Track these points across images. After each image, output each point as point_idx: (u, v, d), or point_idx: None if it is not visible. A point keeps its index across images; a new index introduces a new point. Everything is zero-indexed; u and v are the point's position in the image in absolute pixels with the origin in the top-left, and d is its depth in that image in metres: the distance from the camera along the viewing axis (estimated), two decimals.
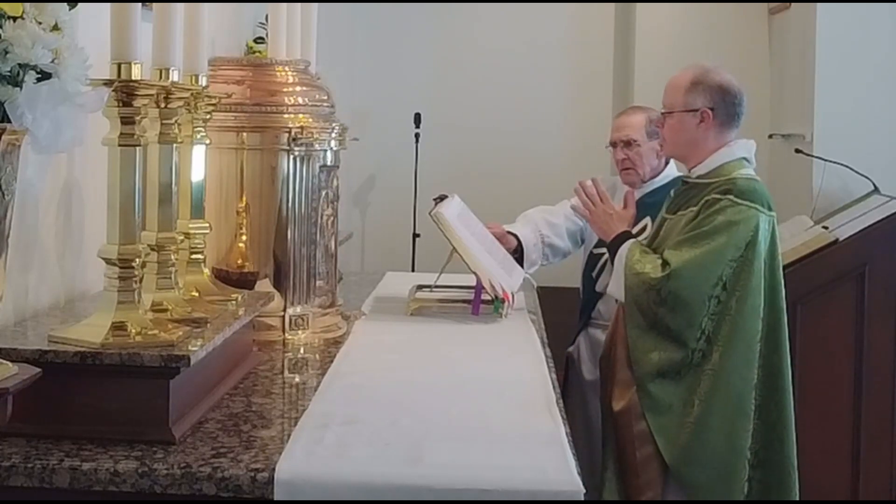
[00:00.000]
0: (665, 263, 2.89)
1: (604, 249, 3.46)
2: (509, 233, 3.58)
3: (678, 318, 2.85)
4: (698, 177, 3.00)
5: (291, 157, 2.74)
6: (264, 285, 2.73)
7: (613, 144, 3.75)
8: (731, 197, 2.87)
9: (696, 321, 2.84)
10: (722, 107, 2.97)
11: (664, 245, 2.97)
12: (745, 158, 3.00)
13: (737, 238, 2.85)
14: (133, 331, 1.89)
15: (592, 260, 3.69)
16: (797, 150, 4.76)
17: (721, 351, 2.83)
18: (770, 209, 2.91)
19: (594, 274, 3.64)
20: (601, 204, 3.23)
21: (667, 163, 3.72)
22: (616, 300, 3.09)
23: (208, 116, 2.43)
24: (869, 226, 3.97)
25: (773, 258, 2.92)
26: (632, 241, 3.08)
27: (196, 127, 2.39)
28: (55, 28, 1.61)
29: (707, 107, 2.96)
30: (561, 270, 3.98)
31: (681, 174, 3.65)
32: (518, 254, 3.54)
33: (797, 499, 2.91)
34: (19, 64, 1.55)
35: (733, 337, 2.84)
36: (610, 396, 3.05)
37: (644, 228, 3.34)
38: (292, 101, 2.77)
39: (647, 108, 3.95)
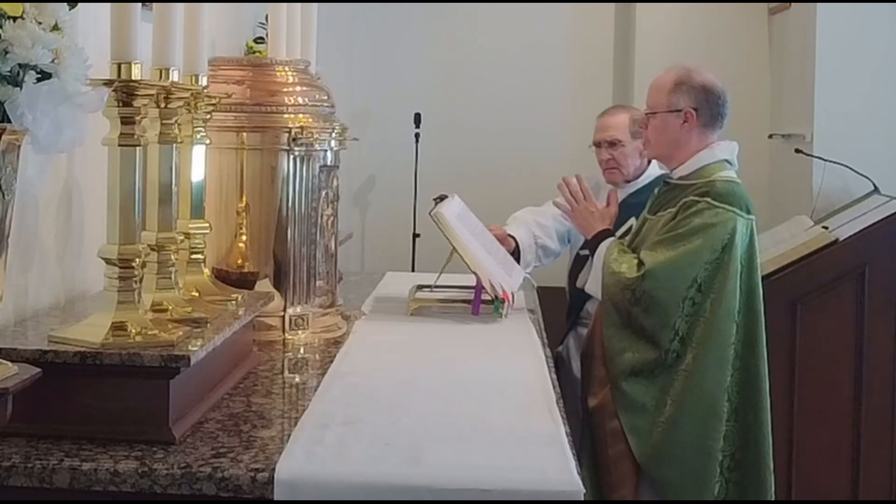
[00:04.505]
0: (640, 263, 2.90)
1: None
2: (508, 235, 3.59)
3: (652, 318, 2.86)
4: (679, 178, 3.01)
5: (291, 157, 2.74)
6: (264, 285, 2.73)
7: (598, 145, 3.77)
8: (708, 199, 2.88)
9: (670, 322, 2.85)
10: (705, 107, 2.98)
11: (643, 245, 2.98)
12: (727, 160, 3.00)
13: (713, 240, 2.86)
14: (133, 331, 1.89)
15: (579, 261, 3.71)
16: (797, 150, 4.76)
17: (695, 352, 2.85)
18: (749, 212, 2.91)
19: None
20: (584, 201, 3.25)
21: (649, 162, 3.74)
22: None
23: (208, 116, 2.43)
24: (869, 226, 3.97)
25: (750, 261, 2.92)
26: (611, 239, 3.10)
27: (196, 127, 2.39)
28: (55, 28, 1.61)
29: (690, 107, 2.98)
30: (557, 270, 3.98)
31: (663, 172, 3.67)
32: (514, 256, 3.55)
33: (773, 500, 2.92)
34: (19, 64, 1.55)
35: (707, 339, 2.85)
36: (587, 393, 3.06)
37: (630, 229, 3.35)
38: (292, 101, 2.77)
39: (629, 107, 3.98)
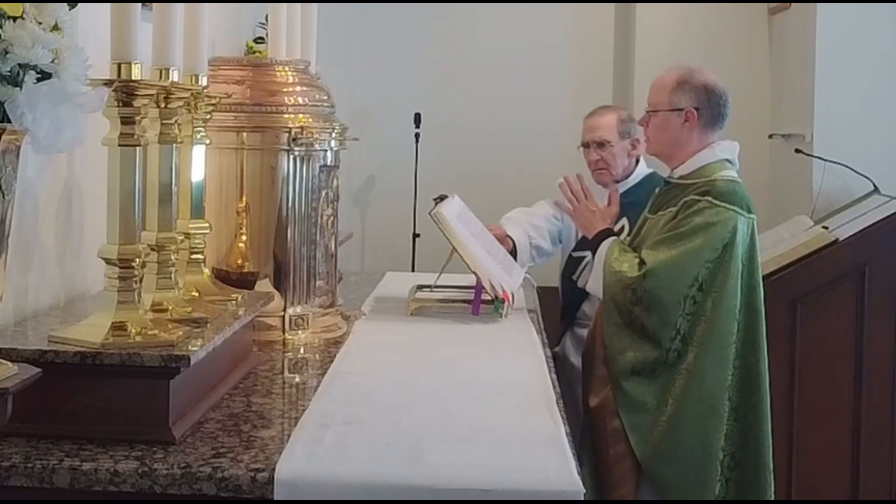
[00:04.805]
0: (642, 262, 2.91)
1: (584, 253, 3.48)
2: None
3: (653, 317, 2.87)
4: (680, 177, 3.02)
5: (291, 157, 2.74)
6: (264, 285, 2.73)
7: (586, 146, 3.77)
8: (709, 198, 2.89)
9: (671, 321, 2.85)
10: (707, 107, 2.99)
11: (644, 244, 2.98)
12: (727, 160, 3.01)
13: (714, 239, 2.86)
14: (133, 331, 1.89)
15: (572, 263, 3.71)
16: (797, 150, 4.76)
17: (696, 351, 2.85)
18: (750, 211, 2.92)
19: (575, 276, 3.66)
20: (585, 201, 3.25)
21: (637, 162, 3.74)
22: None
23: (208, 116, 2.43)
24: (869, 226, 3.97)
25: (751, 260, 2.93)
26: (612, 239, 3.11)
27: (196, 127, 2.39)
28: (55, 28, 1.61)
29: (692, 106, 2.98)
30: (555, 271, 3.98)
31: (652, 170, 3.69)
32: (511, 256, 3.55)
33: (772, 499, 2.93)
34: (19, 64, 1.55)
35: (708, 338, 2.85)
36: (588, 393, 3.06)
37: (622, 229, 3.35)
38: (292, 101, 2.77)
39: (616, 107, 3.99)
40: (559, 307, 3.87)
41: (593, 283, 3.09)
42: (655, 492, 2.89)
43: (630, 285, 2.90)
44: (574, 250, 3.72)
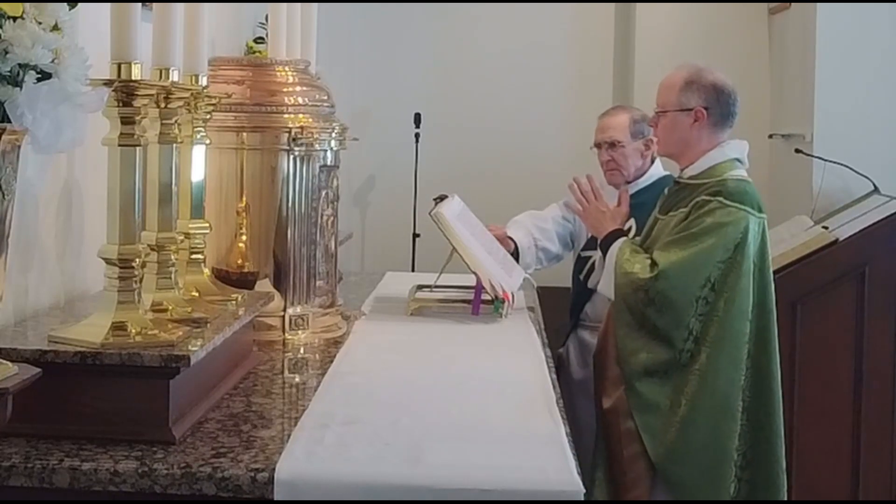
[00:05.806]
0: (653, 264, 2.90)
1: (591, 252, 3.47)
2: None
3: (666, 318, 2.86)
4: (690, 177, 3.01)
5: (291, 157, 2.74)
6: (264, 285, 2.73)
7: (598, 146, 3.76)
8: (720, 199, 2.88)
9: (684, 322, 2.84)
10: (716, 106, 2.98)
11: (655, 245, 2.98)
12: (737, 159, 3.00)
13: (725, 240, 2.85)
14: (133, 331, 1.89)
15: (580, 262, 3.70)
16: (797, 150, 4.76)
17: (708, 352, 2.84)
18: (760, 211, 2.91)
19: (582, 276, 3.65)
20: (595, 201, 3.24)
21: (652, 162, 3.73)
22: (608, 299, 3.10)
23: (208, 116, 2.43)
24: (869, 226, 3.97)
25: (762, 260, 2.92)
26: (623, 239, 3.09)
27: (196, 127, 2.39)
28: (55, 28, 1.62)
29: (701, 106, 2.97)
30: (557, 270, 3.98)
31: (667, 173, 3.67)
32: (513, 257, 3.54)
33: (785, 499, 2.92)
34: (19, 64, 1.55)
35: (721, 338, 2.84)
36: (601, 394, 3.06)
37: (629, 230, 3.34)
38: (292, 101, 2.77)
39: (629, 108, 3.97)
40: (563, 308, 3.86)
41: (604, 283, 3.07)
42: (670, 492, 2.88)
43: (642, 286, 2.89)
44: (583, 249, 3.71)
